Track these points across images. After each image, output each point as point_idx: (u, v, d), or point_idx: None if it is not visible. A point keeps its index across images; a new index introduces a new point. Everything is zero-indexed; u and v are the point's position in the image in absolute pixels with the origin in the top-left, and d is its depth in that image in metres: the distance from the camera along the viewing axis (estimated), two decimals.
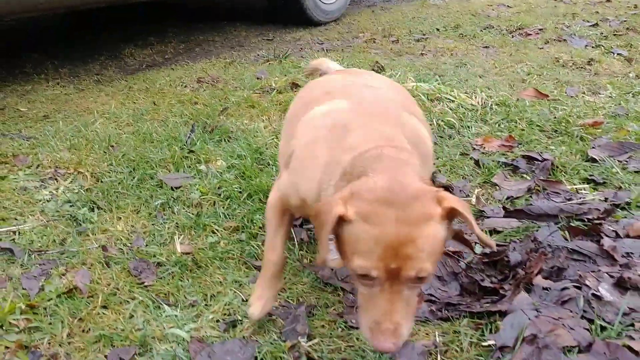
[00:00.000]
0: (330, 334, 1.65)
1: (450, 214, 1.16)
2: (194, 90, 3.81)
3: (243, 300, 1.78)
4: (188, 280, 1.89)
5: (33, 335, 1.62)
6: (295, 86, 3.68)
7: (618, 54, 4.42)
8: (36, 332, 1.64)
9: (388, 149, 1.28)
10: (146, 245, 2.08)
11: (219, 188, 2.44)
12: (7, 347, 1.57)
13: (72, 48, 4.99)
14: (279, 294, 1.77)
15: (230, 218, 2.26)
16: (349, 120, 1.43)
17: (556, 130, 3.00)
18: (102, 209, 2.32)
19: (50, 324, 1.66)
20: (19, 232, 2.15)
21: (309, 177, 1.41)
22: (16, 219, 2.23)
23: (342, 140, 1.37)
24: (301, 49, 4.96)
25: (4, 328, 1.64)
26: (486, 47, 4.84)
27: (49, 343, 1.60)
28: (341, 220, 1.14)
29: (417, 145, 1.41)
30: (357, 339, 1.61)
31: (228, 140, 2.92)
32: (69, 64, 4.54)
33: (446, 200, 1.16)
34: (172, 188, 2.45)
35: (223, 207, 2.32)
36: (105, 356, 1.55)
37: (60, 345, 1.59)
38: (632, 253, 1.87)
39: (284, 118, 3.30)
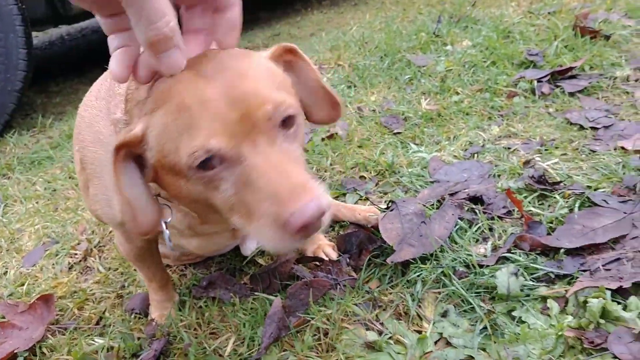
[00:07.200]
0: None
1: None
2: None
3: (485, 139, 1.85)
4: (433, 128, 2.03)
5: None
6: None
7: None
8: None
9: None
10: (395, 106, 2.27)
11: (464, 61, 2.50)
12: None
13: None
14: None
15: (474, 83, 2.31)
16: None
17: None
18: (357, 86, 2.59)
19: (315, 159, 1.97)
20: None
21: None
22: None
23: None
24: None
25: None
26: None
27: (317, 170, 1.91)
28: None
29: None
30: None
31: (474, 26, 2.94)
32: None
33: None
34: (419, 66, 2.59)
35: (467, 75, 2.38)
36: (361, 177, 1.79)
37: (325, 170, 1.89)
38: None
39: (536, 2, 3.18)
